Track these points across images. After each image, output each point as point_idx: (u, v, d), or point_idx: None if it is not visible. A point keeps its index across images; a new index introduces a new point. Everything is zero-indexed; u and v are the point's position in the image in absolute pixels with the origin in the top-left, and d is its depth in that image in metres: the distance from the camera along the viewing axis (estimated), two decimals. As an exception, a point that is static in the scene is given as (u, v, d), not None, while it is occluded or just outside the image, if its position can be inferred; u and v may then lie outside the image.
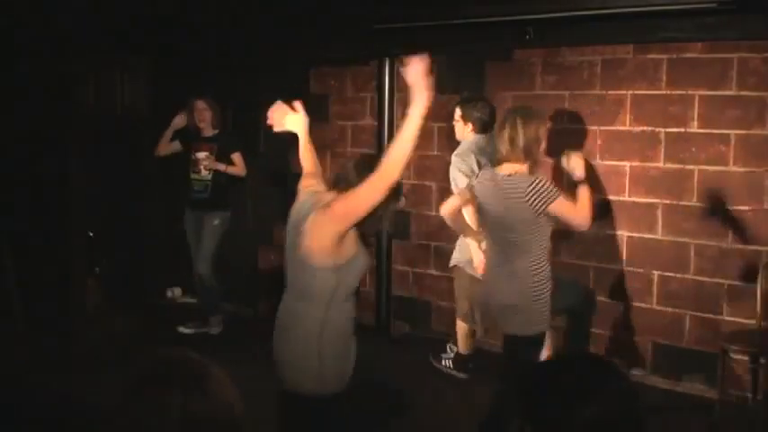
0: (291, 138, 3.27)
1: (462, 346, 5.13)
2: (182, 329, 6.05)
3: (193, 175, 5.94)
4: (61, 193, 5.68)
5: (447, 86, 5.73)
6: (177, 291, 7.07)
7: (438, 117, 5.79)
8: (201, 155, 5.89)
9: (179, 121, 6.04)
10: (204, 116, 5.91)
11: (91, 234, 6.12)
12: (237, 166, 5.91)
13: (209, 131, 5.96)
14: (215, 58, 6.47)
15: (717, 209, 4.68)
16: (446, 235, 5.78)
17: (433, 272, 5.93)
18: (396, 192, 2.67)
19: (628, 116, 4.99)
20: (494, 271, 3.70)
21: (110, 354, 5.17)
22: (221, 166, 5.85)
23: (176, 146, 6.08)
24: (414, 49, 2.60)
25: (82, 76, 6.10)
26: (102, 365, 4.79)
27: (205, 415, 1.32)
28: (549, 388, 1.43)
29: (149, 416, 1.30)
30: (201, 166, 5.88)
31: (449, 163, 4.70)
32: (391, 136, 5.79)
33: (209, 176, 5.90)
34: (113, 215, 6.48)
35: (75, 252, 5.77)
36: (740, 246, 4.60)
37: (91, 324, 5.75)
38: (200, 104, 5.90)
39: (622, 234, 5.07)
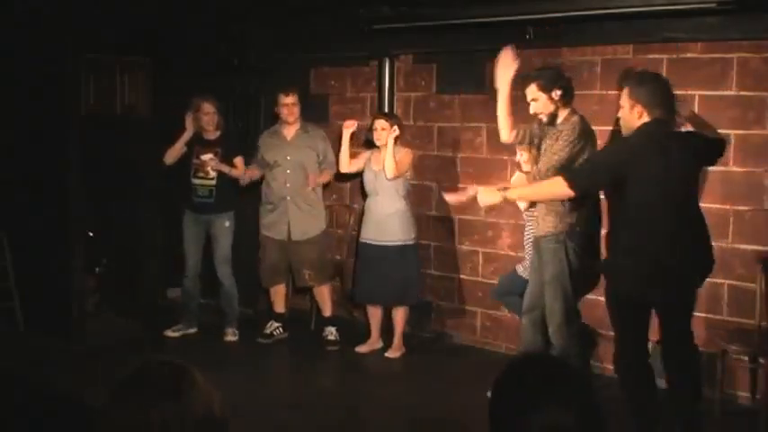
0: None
1: None
2: (169, 333, 5.91)
3: (196, 180, 5.72)
4: (61, 192, 5.67)
5: (447, 86, 5.73)
6: (178, 291, 7.05)
7: (438, 117, 5.79)
8: (206, 156, 5.68)
9: (191, 126, 5.73)
10: (212, 119, 5.72)
11: (91, 234, 6.11)
12: (239, 169, 5.74)
13: (212, 134, 5.79)
14: (214, 59, 6.46)
15: (716, 208, 4.67)
16: (445, 235, 5.78)
17: (433, 272, 5.91)
18: None
19: (628, 116, 4.98)
20: None
21: (109, 354, 5.17)
22: (226, 168, 5.67)
23: (183, 150, 5.78)
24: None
25: (82, 76, 6.09)
26: (101, 365, 4.79)
27: (182, 417, 1.36)
28: (509, 389, 1.42)
29: (129, 419, 1.35)
30: (209, 167, 5.67)
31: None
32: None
33: (214, 182, 5.71)
34: (113, 215, 6.48)
35: (75, 252, 5.77)
36: (740, 246, 4.60)
37: (91, 324, 5.75)
38: (208, 107, 5.70)
39: (622, 234, 5.06)
